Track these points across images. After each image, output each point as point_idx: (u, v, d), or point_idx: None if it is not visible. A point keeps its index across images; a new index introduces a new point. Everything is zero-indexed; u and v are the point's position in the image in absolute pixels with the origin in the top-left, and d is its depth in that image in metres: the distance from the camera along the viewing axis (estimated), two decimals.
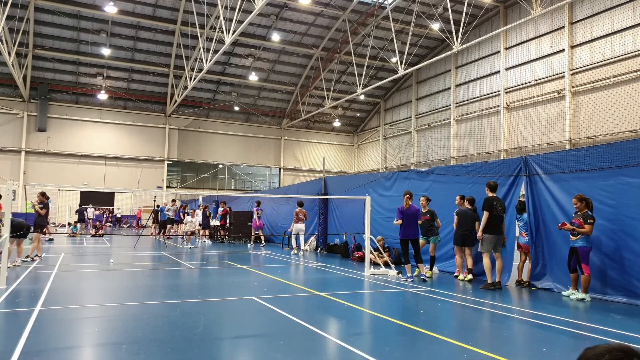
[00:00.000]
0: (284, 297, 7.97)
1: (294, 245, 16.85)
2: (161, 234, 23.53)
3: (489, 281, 9.13)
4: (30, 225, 11.41)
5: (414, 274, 10.46)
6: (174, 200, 22.15)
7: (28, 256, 12.23)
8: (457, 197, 10.60)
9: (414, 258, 10.30)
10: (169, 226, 22.00)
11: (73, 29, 31.18)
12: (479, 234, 9.41)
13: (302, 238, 16.49)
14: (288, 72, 37.93)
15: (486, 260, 9.26)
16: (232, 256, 15.35)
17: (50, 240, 19.85)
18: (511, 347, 5.18)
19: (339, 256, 15.51)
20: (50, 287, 8.33)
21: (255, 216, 19.35)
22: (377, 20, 30.84)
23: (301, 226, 16.23)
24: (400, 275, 10.64)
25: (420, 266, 10.18)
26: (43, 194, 12.47)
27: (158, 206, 25.90)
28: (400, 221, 10.06)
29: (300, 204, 16.42)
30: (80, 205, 26.01)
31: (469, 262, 10.15)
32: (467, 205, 10.32)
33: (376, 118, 42.70)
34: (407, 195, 10.23)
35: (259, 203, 19.80)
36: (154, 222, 25.90)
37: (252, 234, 20.26)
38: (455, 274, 10.55)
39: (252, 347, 5.05)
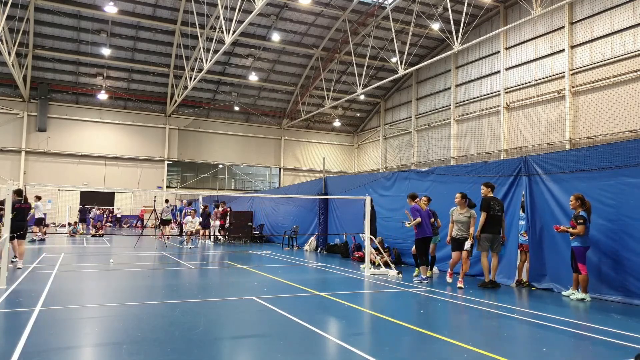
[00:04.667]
0: (284, 297, 7.97)
1: (212, 239, 20.94)
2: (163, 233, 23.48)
3: (486, 280, 9.14)
4: (27, 225, 11.33)
5: (413, 274, 10.47)
6: (167, 201, 22.10)
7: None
8: (458, 195, 9.72)
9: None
10: (168, 226, 21.91)
11: (73, 29, 31.18)
12: (477, 233, 9.31)
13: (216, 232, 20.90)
14: (288, 72, 37.93)
15: (483, 260, 9.27)
16: (232, 256, 15.35)
17: (42, 240, 19.38)
18: (511, 347, 5.18)
19: (339, 256, 15.52)
20: (50, 287, 8.33)
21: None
22: (377, 20, 30.83)
23: (217, 223, 20.90)
24: (400, 275, 10.63)
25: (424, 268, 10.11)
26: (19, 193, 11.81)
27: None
28: (419, 220, 9.83)
29: (217, 206, 21.30)
30: (82, 205, 25.86)
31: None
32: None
33: (376, 118, 42.70)
34: (425, 198, 10.55)
35: (167, 201, 21.51)
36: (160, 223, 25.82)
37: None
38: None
39: (252, 347, 5.05)
